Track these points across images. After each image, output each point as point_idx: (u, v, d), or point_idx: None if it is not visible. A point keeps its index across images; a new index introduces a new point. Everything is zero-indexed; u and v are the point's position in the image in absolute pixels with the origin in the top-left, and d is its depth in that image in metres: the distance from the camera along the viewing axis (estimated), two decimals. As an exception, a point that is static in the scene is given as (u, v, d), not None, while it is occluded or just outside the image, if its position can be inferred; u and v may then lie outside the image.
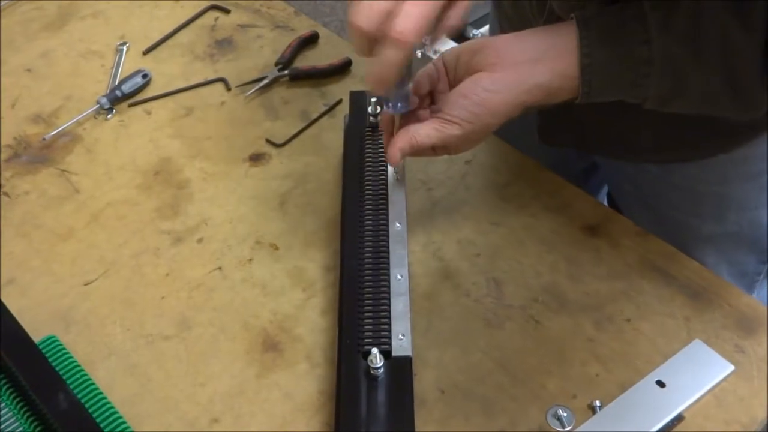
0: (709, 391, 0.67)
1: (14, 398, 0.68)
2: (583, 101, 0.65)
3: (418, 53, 0.71)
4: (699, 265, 0.77)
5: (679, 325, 0.72)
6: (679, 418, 0.66)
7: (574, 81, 0.64)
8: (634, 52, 0.62)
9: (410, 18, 0.58)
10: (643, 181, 0.92)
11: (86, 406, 0.66)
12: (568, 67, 0.64)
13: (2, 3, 1.08)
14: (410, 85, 0.68)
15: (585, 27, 0.63)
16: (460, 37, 1.94)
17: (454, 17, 0.63)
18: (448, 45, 1.97)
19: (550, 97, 0.65)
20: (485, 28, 1.96)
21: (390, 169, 0.79)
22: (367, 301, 0.69)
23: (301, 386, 0.70)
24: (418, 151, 0.68)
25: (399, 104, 0.68)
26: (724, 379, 0.68)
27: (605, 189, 1.11)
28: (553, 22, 0.69)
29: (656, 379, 0.68)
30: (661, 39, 0.61)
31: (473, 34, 1.91)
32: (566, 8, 0.68)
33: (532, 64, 0.64)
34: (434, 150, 0.69)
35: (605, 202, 1.13)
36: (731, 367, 0.68)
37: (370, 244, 0.73)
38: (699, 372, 0.68)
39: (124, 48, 1.02)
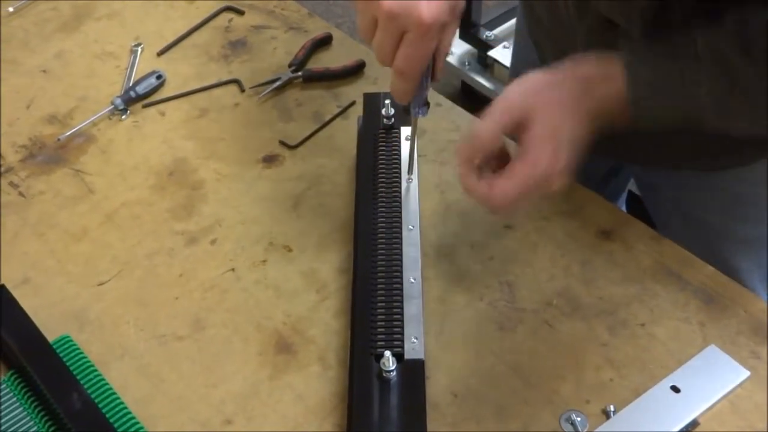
0: (725, 396, 0.67)
1: (28, 397, 0.68)
2: (639, 118, 0.64)
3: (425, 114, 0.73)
4: (714, 269, 0.76)
5: (694, 331, 0.72)
6: (693, 424, 0.65)
7: (621, 91, 0.63)
8: (680, 53, 0.61)
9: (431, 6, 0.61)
10: (677, 184, 0.90)
11: (99, 405, 0.66)
12: (615, 89, 0.63)
13: (18, 3, 1.09)
14: (428, 92, 0.70)
15: (629, 52, 0.63)
16: (473, 38, 1.94)
17: (448, 43, 0.67)
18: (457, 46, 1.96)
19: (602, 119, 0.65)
20: (499, 30, 1.96)
21: (404, 170, 0.79)
22: (380, 304, 0.69)
23: (313, 388, 0.70)
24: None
25: (418, 109, 0.71)
26: (740, 385, 0.67)
27: (625, 193, 1.10)
28: (596, 26, 0.68)
29: (671, 385, 0.67)
30: (705, 39, 0.60)
31: (486, 36, 1.91)
32: (617, 10, 0.67)
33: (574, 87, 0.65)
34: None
35: (624, 206, 1.12)
36: (747, 373, 0.68)
37: (384, 246, 0.73)
38: (714, 378, 0.67)
39: (139, 49, 1.02)
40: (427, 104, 0.71)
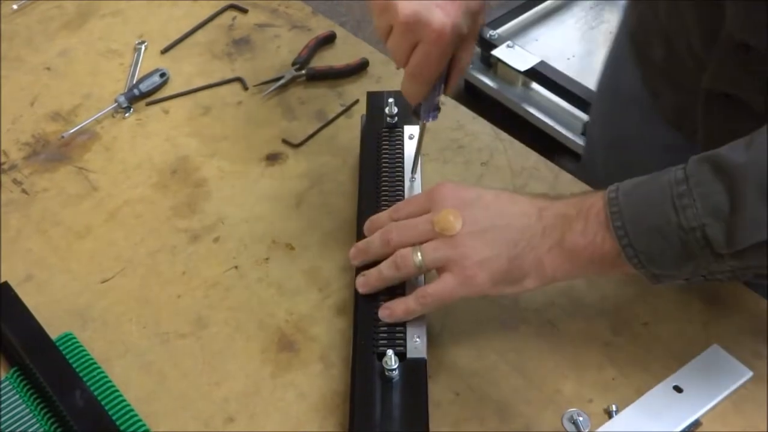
0: (727, 396, 0.67)
1: (31, 395, 0.68)
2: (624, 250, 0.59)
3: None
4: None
5: (697, 330, 0.72)
6: (696, 424, 0.65)
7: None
8: (665, 176, 0.58)
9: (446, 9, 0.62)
10: None
11: (102, 403, 0.66)
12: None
13: (22, 2, 1.09)
14: (440, 98, 0.71)
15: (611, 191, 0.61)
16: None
17: (467, 57, 0.68)
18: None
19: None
20: (502, 29, 1.95)
21: (407, 169, 0.79)
22: (382, 302, 0.69)
23: (315, 386, 0.70)
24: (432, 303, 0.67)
25: (427, 114, 0.72)
26: (742, 385, 0.67)
27: None
28: (727, 56, 0.65)
29: (673, 384, 0.67)
30: (697, 158, 0.58)
31: (490, 35, 1.91)
32: (750, 28, 0.63)
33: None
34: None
35: None
36: (750, 373, 0.67)
37: (386, 245, 0.73)
38: (717, 377, 0.67)
39: (143, 47, 1.02)
40: (437, 109, 0.72)
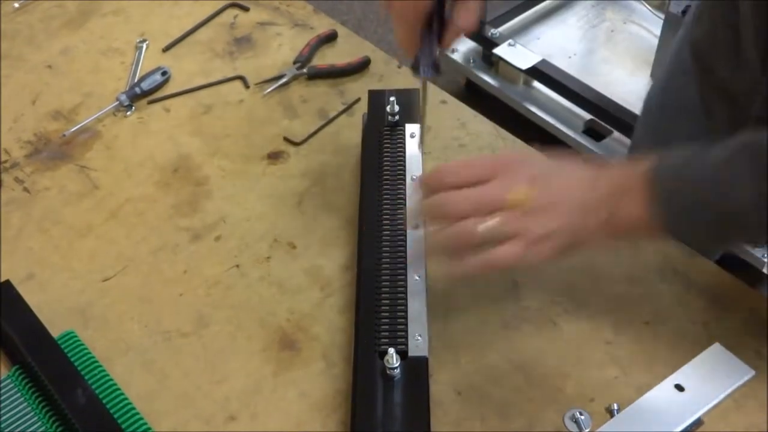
0: (729, 395, 0.66)
1: (32, 393, 0.68)
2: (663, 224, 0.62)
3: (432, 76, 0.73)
4: (719, 268, 0.76)
5: (699, 329, 0.72)
6: (698, 423, 0.65)
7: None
8: (709, 161, 0.60)
9: None
10: None
11: (104, 401, 0.66)
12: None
13: (23, 0, 1.09)
14: (437, 52, 0.71)
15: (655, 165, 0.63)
16: (478, 35, 1.93)
17: (464, 18, 0.68)
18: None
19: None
20: (504, 27, 1.95)
21: (408, 168, 0.79)
22: (384, 301, 0.69)
23: (317, 385, 0.70)
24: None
25: (426, 68, 0.71)
26: (744, 384, 0.67)
27: None
28: None
29: (675, 383, 0.67)
30: (739, 139, 0.59)
31: (491, 33, 1.90)
32: None
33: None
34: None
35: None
36: (752, 372, 0.67)
37: (388, 243, 0.73)
38: (718, 376, 0.67)
39: (144, 45, 1.02)
40: (436, 66, 0.72)
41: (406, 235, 0.74)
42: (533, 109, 1.86)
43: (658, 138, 0.98)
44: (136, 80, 0.97)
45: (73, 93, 0.97)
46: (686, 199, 0.62)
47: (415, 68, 0.72)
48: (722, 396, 0.66)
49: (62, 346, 0.70)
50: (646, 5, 1.96)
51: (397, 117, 0.83)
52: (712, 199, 0.60)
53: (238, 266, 0.79)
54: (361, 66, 0.98)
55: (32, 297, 0.74)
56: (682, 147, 0.63)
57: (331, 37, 1.02)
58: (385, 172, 0.79)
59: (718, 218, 0.61)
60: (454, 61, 1.96)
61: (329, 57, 1.00)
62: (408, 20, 0.69)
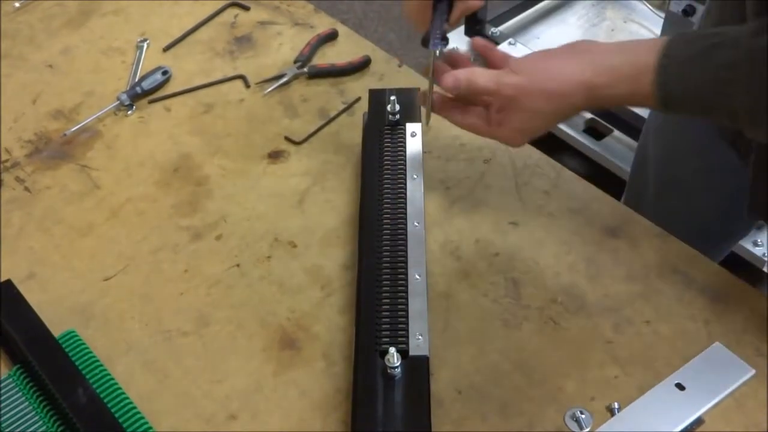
0: (730, 394, 0.67)
1: (33, 392, 0.68)
2: (662, 107, 0.63)
3: (437, 52, 0.73)
4: (719, 267, 0.76)
5: (699, 328, 0.72)
6: (698, 422, 0.65)
7: (648, 76, 0.62)
8: (717, 54, 0.60)
9: None
10: None
11: (105, 401, 0.66)
12: (645, 60, 0.62)
13: (24, 0, 1.09)
14: (446, 26, 0.73)
15: (676, 37, 0.62)
16: (479, 34, 1.93)
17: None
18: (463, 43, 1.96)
19: (619, 86, 0.64)
20: (504, 26, 1.95)
21: (409, 167, 0.79)
22: (384, 300, 0.69)
23: (318, 384, 0.70)
24: (473, 89, 0.69)
25: (436, 41, 0.73)
26: (745, 383, 0.67)
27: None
28: None
29: (676, 382, 0.67)
30: (748, 43, 0.59)
31: (492, 32, 1.90)
32: None
33: (609, 52, 0.65)
34: (486, 107, 0.70)
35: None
36: (752, 371, 0.67)
37: (388, 242, 0.73)
38: (719, 375, 0.67)
39: (145, 45, 1.02)
40: (445, 40, 0.73)
41: (406, 234, 0.74)
42: (534, 108, 1.86)
43: (667, 135, 0.98)
44: (136, 80, 0.97)
45: (73, 92, 0.98)
46: (691, 89, 0.62)
47: (425, 42, 0.73)
48: (723, 395, 0.66)
49: (63, 346, 0.70)
50: (647, 4, 1.96)
51: (397, 116, 0.83)
52: (713, 97, 0.61)
53: (238, 266, 0.79)
54: (362, 65, 0.98)
55: (33, 296, 0.74)
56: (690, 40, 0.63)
57: (331, 37, 1.02)
58: (385, 172, 0.79)
59: (715, 109, 0.62)
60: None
61: (330, 56, 1.00)
62: None
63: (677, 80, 0.62)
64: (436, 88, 0.74)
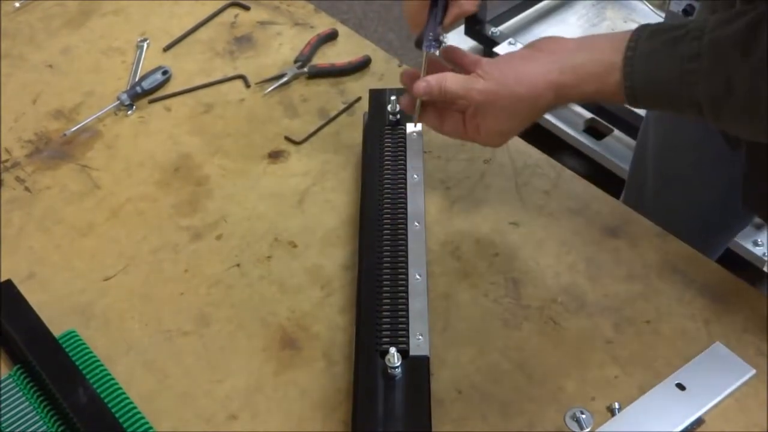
0: (730, 394, 0.67)
1: (34, 392, 0.68)
2: (630, 101, 0.63)
3: (437, 52, 0.72)
4: (719, 267, 0.76)
5: (700, 328, 0.72)
6: (699, 422, 0.65)
7: (615, 73, 0.62)
8: (681, 46, 0.60)
9: None
10: None
11: (105, 401, 0.67)
12: (610, 56, 0.63)
13: (24, 0, 1.09)
14: (440, 29, 0.72)
15: (639, 30, 0.62)
16: (479, 34, 1.94)
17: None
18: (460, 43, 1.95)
19: (585, 85, 0.64)
20: (504, 26, 1.95)
21: (409, 167, 0.79)
22: (385, 300, 0.69)
23: (318, 384, 0.70)
24: (444, 95, 0.69)
25: (430, 43, 0.72)
26: (746, 383, 0.67)
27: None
28: None
29: (676, 382, 0.67)
30: (713, 34, 0.59)
31: (492, 32, 1.90)
32: None
33: (572, 51, 0.65)
34: (462, 112, 0.69)
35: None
36: (752, 371, 0.67)
37: (389, 242, 0.73)
38: (720, 375, 0.67)
39: (145, 45, 1.02)
40: (439, 41, 0.72)
41: (407, 234, 0.74)
42: (533, 107, 1.86)
43: (666, 127, 0.98)
44: (136, 79, 0.97)
45: (73, 92, 0.97)
46: (656, 83, 0.62)
47: (419, 43, 0.73)
48: (723, 395, 0.66)
49: (63, 346, 0.70)
50: (647, 4, 1.96)
51: (398, 116, 0.83)
52: (676, 88, 0.61)
53: (238, 265, 0.79)
54: (362, 65, 0.98)
55: (33, 296, 0.74)
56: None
57: (331, 36, 1.02)
58: (385, 172, 0.79)
59: (681, 102, 0.62)
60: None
61: (330, 56, 1.00)
62: None
63: (643, 74, 0.62)
64: None
